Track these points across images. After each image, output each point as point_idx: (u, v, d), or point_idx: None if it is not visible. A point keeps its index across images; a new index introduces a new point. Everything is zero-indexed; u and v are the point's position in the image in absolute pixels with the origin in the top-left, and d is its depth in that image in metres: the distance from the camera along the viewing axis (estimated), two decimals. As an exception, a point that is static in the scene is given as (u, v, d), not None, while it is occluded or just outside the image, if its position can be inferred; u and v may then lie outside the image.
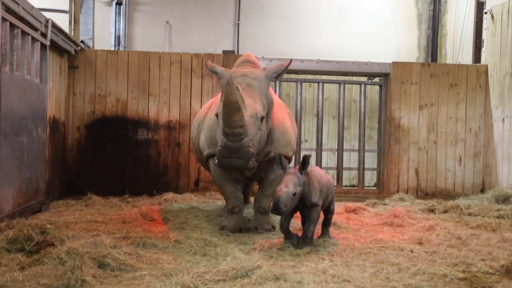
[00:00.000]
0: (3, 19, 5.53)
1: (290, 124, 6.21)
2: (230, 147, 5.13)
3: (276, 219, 6.10)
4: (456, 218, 6.72)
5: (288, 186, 4.57)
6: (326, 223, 5.35)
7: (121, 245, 4.45)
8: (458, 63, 10.69)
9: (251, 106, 5.29)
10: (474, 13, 10.20)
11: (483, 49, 9.93)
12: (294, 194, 4.58)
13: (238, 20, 11.91)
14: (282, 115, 6.11)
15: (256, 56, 6.27)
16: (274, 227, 5.82)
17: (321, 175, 5.07)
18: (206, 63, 5.97)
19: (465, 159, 9.63)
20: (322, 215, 5.23)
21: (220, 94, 5.97)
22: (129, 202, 7.82)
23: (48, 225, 5.00)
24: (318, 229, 5.29)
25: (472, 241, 5.22)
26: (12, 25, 5.84)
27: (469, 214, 6.93)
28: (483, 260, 4.44)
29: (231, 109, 5.01)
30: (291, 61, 5.83)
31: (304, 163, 4.69)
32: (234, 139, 5.11)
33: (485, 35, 9.85)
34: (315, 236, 5.08)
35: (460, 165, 9.62)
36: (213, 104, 6.29)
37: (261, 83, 5.53)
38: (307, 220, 4.87)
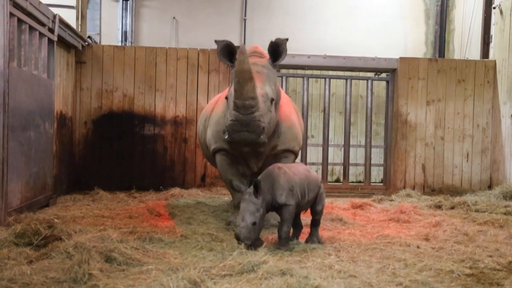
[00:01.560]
0: (11, 14, 5.55)
1: (296, 119, 6.20)
2: (241, 120, 5.01)
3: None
4: (463, 214, 6.70)
5: (244, 218, 4.37)
6: (315, 224, 4.97)
7: (128, 239, 4.47)
8: (466, 58, 10.61)
9: (261, 87, 5.25)
10: (483, 8, 10.12)
11: (491, 45, 9.85)
12: (254, 224, 4.36)
13: (245, 16, 11.88)
14: (289, 109, 6.10)
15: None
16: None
17: (297, 173, 4.74)
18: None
19: (473, 155, 9.58)
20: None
21: (227, 89, 5.94)
22: (135, 197, 7.85)
23: (55, 220, 5.05)
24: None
25: (479, 237, 5.21)
26: (20, 21, 5.87)
27: (476, 211, 6.91)
28: (490, 256, 4.43)
29: (244, 78, 4.91)
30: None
31: (256, 188, 4.41)
32: (245, 112, 4.99)
33: (493, 30, 9.78)
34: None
35: (467, 161, 9.57)
36: (220, 99, 6.28)
37: (270, 71, 5.53)
38: (280, 221, 4.66)
